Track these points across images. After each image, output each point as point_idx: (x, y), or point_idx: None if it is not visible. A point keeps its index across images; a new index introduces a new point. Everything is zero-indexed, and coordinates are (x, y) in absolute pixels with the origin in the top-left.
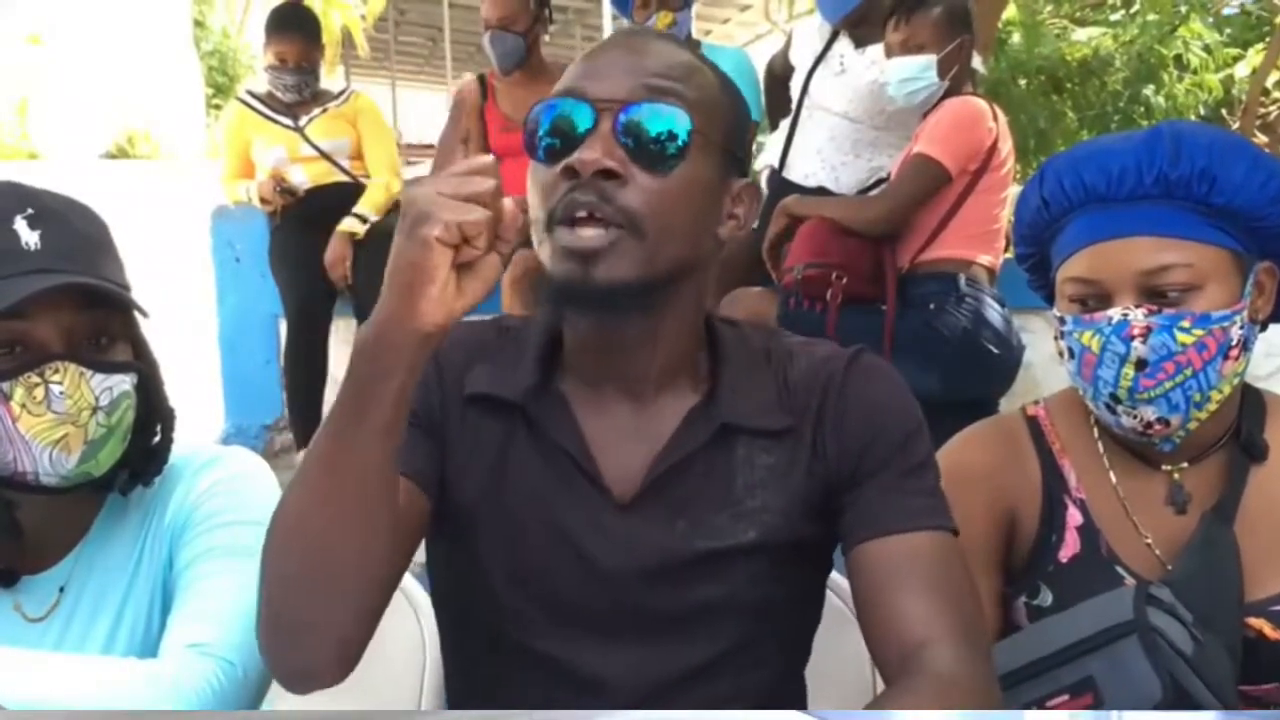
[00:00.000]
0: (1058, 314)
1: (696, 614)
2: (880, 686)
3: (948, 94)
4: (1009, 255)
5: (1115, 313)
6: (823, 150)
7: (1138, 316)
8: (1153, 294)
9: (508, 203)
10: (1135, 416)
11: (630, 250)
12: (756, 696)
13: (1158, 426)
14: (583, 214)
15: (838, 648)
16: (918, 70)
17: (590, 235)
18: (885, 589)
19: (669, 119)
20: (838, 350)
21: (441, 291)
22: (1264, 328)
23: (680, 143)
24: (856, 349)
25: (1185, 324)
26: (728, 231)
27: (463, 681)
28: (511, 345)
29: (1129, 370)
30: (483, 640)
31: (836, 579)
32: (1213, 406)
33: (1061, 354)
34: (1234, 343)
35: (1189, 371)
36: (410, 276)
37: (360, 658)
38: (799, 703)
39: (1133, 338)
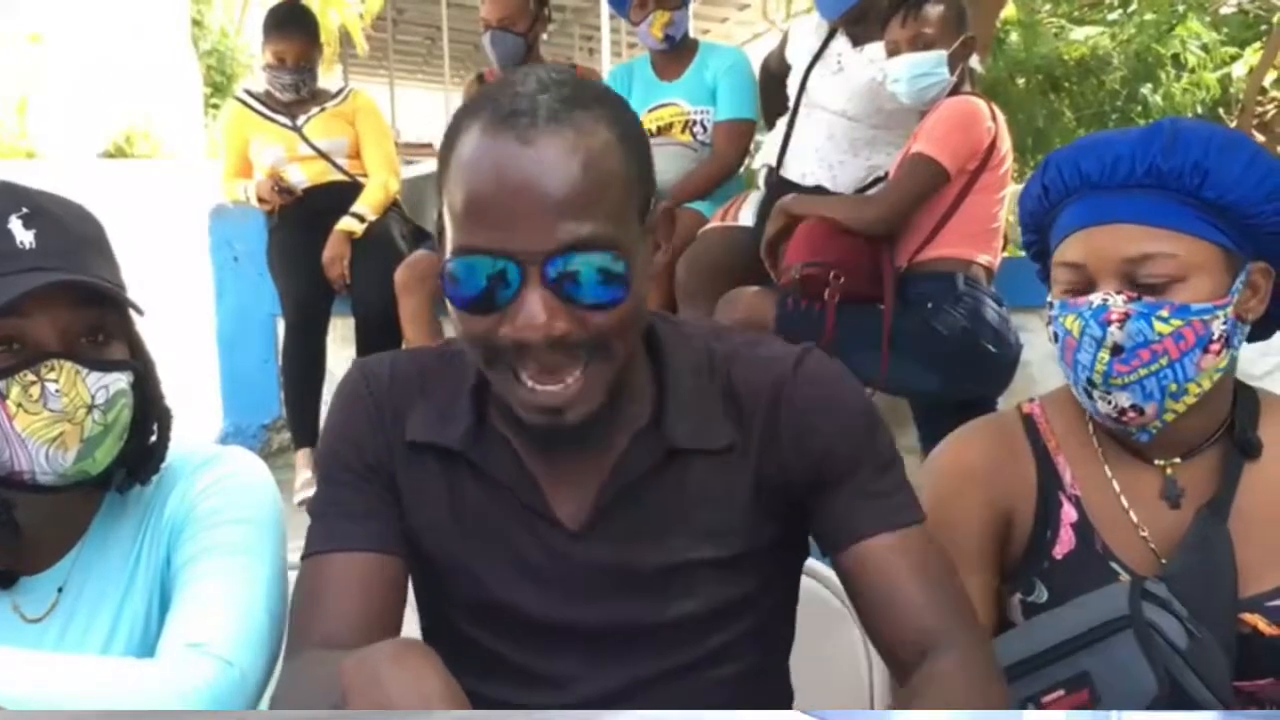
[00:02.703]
0: (1049, 299)
1: (666, 626)
2: (877, 685)
3: (948, 93)
4: (1007, 254)
5: (1096, 297)
6: (820, 149)
7: (1117, 302)
8: (1136, 282)
9: None
10: (1110, 402)
11: (599, 379)
12: (740, 683)
13: (1131, 414)
14: (536, 370)
15: (836, 648)
16: (930, 65)
17: (556, 390)
18: (883, 590)
19: (603, 266)
20: (782, 351)
21: None
22: (1266, 335)
23: (619, 281)
24: (804, 347)
25: (1164, 313)
26: (657, 264)
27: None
28: (450, 376)
29: (1104, 355)
30: (458, 654)
31: (831, 577)
32: (1190, 399)
33: (1051, 340)
34: (1215, 337)
35: (1164, 361)
36: None
37: None
38: (784, 681)
39: (1110, 323)
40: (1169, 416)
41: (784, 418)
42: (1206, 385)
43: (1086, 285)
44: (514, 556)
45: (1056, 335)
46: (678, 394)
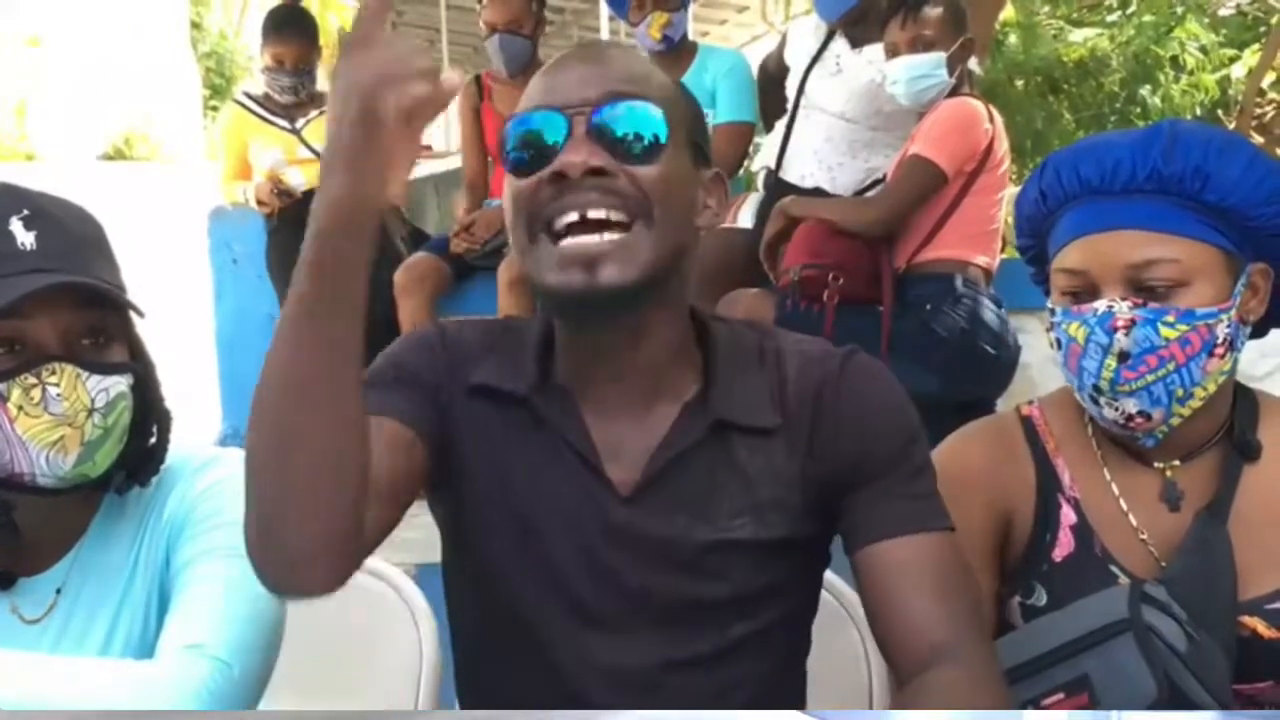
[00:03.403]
0: (1050, 305)
1: (700, 607)
2: (876, 685)
3: (947, 95)
4: (1005, 256)
5: (1101, 304)
6: (819, 151)
7: (1122, 309)
8: (1140, 288)
9: (449, 75)
10: (1117, 409)
11: (639, 244)
12: (760, 682)
13: (1139, 420)
14: (575, 218)
15: (835, 648)
16: (929, 67)
17: (594, 240)
18: (898, 592)
19: (642, 115)
20: (831, 349)
21: (396, 167)
22: (1263, 333)
23: (657, 136)
24: (850, 348)
25: (1170, 318)
26: (705, 221)
27: (472, 677)
28: (515, 342)
29: (1111, 362)
30: (495, 634)
31: (833, 580)
32: (1196, 403)
33: (1053, 346)
34: (1219, 340)
35: (1171, 366)
36: (365, 157)
37: (350, 564)
38: (800, 690)
39: (1116, 329)
40: (1175, 421)
41: (828, 416)
42: (1211, 389)
43: (1089, 291)
44: (561, 515)
45: (1059, 342)
46: (725, 373)
